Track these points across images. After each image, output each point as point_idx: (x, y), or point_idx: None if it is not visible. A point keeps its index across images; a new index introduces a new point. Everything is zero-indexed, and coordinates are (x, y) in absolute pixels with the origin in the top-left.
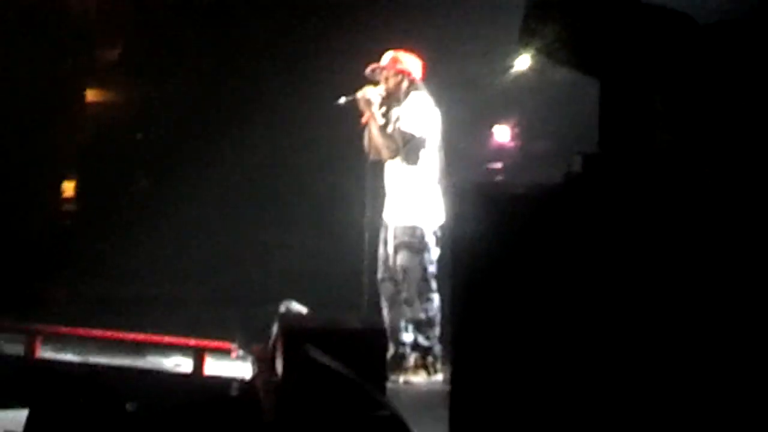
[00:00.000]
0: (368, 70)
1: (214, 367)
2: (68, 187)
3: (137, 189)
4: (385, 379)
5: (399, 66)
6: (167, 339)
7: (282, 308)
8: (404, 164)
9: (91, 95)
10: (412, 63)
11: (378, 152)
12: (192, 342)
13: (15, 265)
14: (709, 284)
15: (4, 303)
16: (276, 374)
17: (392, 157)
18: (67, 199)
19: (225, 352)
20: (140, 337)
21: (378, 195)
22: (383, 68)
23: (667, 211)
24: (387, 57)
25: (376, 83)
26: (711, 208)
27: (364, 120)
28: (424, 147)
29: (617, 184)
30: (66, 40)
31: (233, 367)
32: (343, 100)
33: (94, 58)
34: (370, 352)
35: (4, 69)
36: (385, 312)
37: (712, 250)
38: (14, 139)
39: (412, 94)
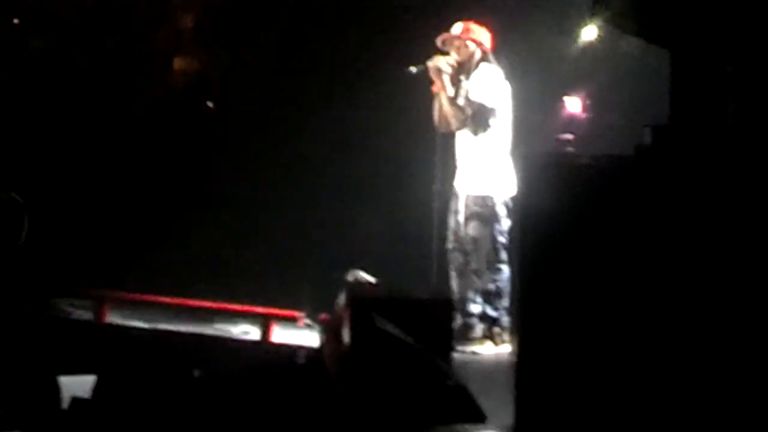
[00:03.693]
0: (439, 40)
1: (281, 335)
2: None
3: None
4: (452, 349)
5: (470, 36)
6: (235, 306)
7: (350, 277)
8: (474, 135)
9: (174, 63)
10: (482, 34)
11: (447, 123)
12: (259, 310)
13: (86, 233)
14: None
15: (74, 269)
16: (343, 343)
17: (461, 128)
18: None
19: (292, 320)
20: (208, 304)
21: (448, 166)
22: (455, 38)
23: (739, 184)
24: (458, 27)
25: (446, 54)
26: None
27: (434, 89)
28: (494, 117)
29: (687, 157)
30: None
31: (300, 335)
32: (414, 68)
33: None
34: (437, 322)
35: (87, 37)
36: (453, 282)
37: None
38: (96, 108)
39: (482, 65)
